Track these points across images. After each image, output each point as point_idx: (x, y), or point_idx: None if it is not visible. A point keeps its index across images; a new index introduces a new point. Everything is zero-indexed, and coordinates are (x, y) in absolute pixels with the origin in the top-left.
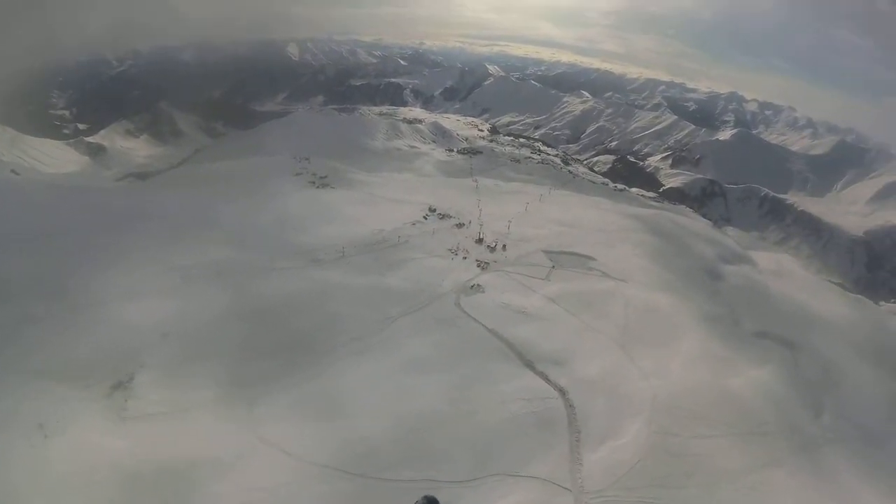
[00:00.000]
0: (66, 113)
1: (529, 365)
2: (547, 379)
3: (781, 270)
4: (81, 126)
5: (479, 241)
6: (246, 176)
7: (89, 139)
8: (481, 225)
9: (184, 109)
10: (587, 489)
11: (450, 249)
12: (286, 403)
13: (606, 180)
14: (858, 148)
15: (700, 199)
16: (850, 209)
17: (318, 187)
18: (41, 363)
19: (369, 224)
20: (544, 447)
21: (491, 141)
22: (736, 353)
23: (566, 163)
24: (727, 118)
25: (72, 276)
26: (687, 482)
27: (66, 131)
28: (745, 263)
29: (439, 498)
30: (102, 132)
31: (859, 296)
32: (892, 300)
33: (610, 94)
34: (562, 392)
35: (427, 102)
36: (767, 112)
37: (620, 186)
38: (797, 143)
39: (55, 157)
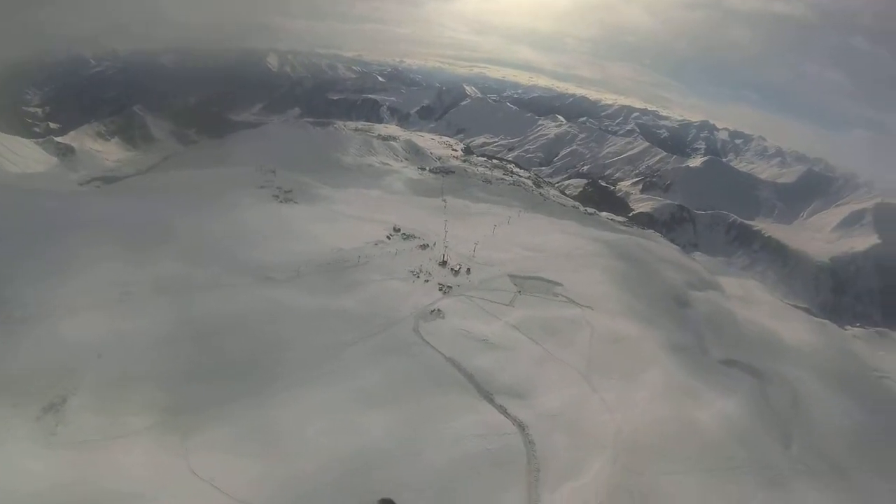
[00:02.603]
0: (39, 111)
1: (488, 397)
2: (506, 413)
3: (748, 296)
4: (53, 125)
5: (444, 263)
6: (208, 186)
7: (59, 139)
8: (446, 247)
9: (158, 114)
10: None
11: (412, 272)
12: (223, 435)
13: (577, 204)
14: (826, 177)
15: (669, 224)
16: (816, 236)
17: (280, 201)
18: None
19: (329, 242)
20: (499, 489)
21: (464, 161)
22: (703, 383)
23: (538, 185)
24: (698, 146)
25: (6, 286)
26: None
27: (37, 129)
28: (713, 289)
29: None
30: (73, 133)
31: (825, 321)
32: (857, 324)
33: (584, 118)
34: (521, 427)
35: (403, 120)
36: (738, 141)
37: (591, 210)
38: (766, 171)
39: (23, 156)
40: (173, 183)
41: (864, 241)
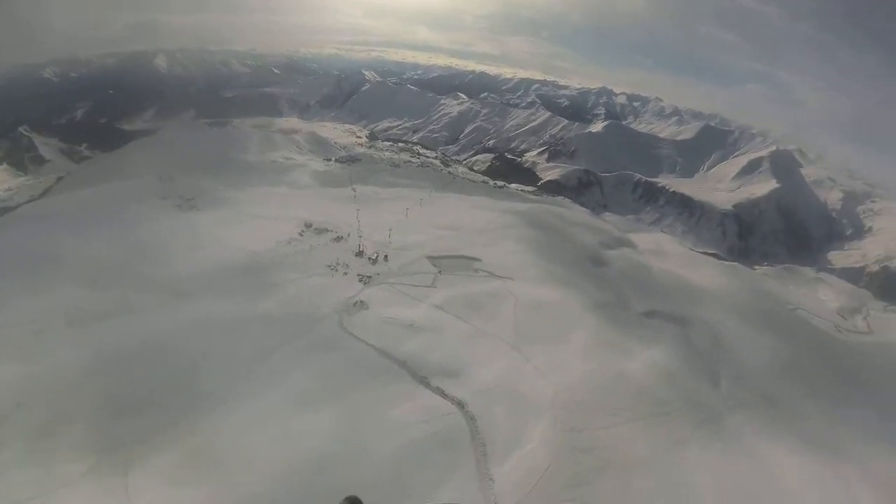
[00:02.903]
0: None
1: (423, 381)
2: (443, 394)
3: (660, 249)
4: None
5: (360, 253)
6: (107, 204)
7: None
8: (361, 236)
9: (45, 133)
10: None
11: (329, 266)
12: (163, 466)
13: (486, 178)
14: (722, 131)
15: (577, 189)
16: (718, 186)
17: (183, 210)
18: None
19: (240, 246)
20: (449, 469)
21: (370, 147)
22: (627, 336)
23: (446, 164)
24: (598, 111)
25: None
26: (601, 476)
27: None
28: (626, 246)
29: None
30: None
31: (735, 263)
32: (765, 263)
33: (486, 94)
34: (460, 405)
35: (304, 111)
36: (636, 104)
37: (500, 183)
38: (665, 130)
39: None
40: (70, 205)
41: (763, 186)
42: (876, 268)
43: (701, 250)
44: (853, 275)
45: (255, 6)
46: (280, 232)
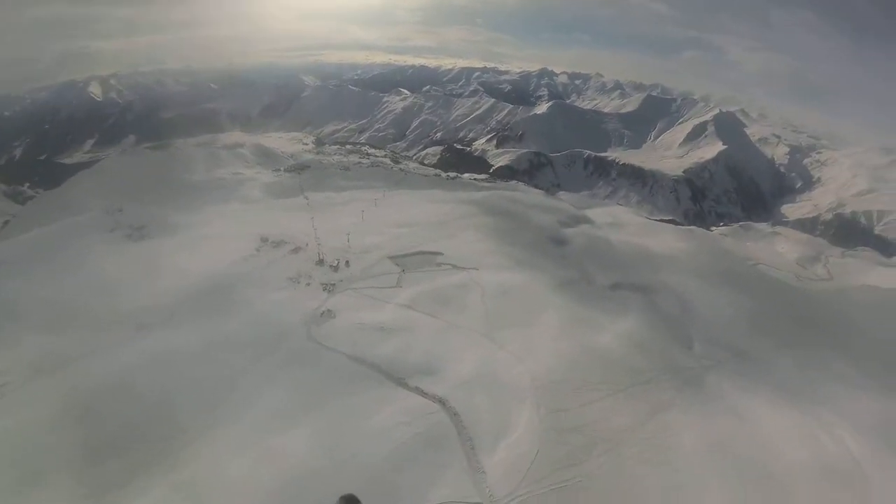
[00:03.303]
0: None
1: (401, 383)
2: (423, 393)
3: (617, 221)
4: None
5: (320, 262)
6: (55, 243)
7: None
8: (319, 244)
9: None
10: (497, 496)
11: (290, 279)
12: None
13: (438, 171)
14: (664, 99)
15: (529, 171)
16: (667, 154)
17: (135, 240)
18: None
19: (196, 270)
20: (440, 468)
21: (317, 153)
22: (597, 311)
23: (396, 161)
24: (541, 93)
25: None
26: (591, 453)
27: None
28: (584, 223)
29: None
30: None
31: (691, 227)
32: (721, 223)
33: (428, 87)
34: (442, 402)
35: (246, 124)
36: (577, 81)
37: (452, 175)
38: (608, 104)
39: None
40: (20, 249)
41: (711, 149)
42: (829, 216)
43: (657, 218)
44: (808, 225)
45: (185, 22)
46: (236, 250)
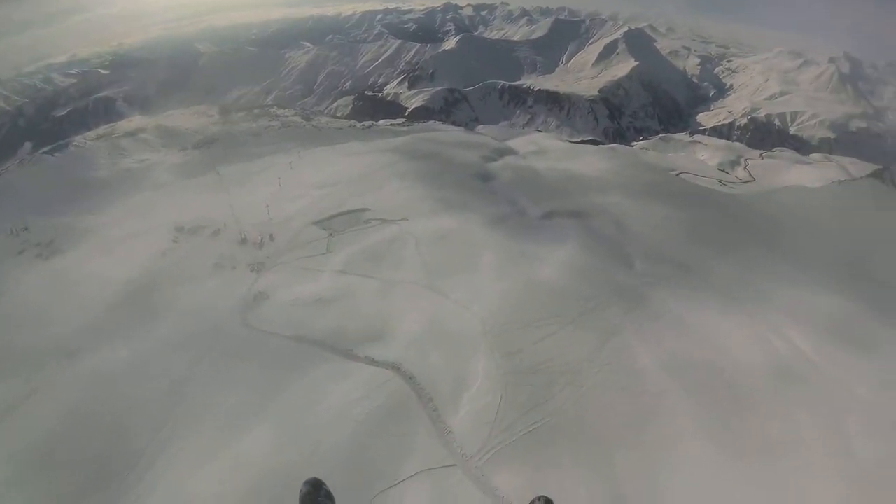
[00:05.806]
0: None
1: (350, 355)
2: (373, 361)
3: (541, 148)
4: None
5: (243, 241)
6: None
7: None
8: (238, 222)
9: None
10: (470, 453)
11: (215, 265)
12: None
13: (352, 122)
14: (573, 22)
15: (446, 109)
16: (581, 75)
17: (45, 258)
18: None
19: (115, 277)
20: (407, 436)
21: (224, 123)
22: (534, 243)
23: (307, 119)
24: (448, 28)
25: None
26: (553, 391)
27: None
28: (508, 154)
29: None
30: None
31: (613, 144)
32: (641, 138)
33: (331, 37)
34: (395, 368)
35: (146, 106)
36: (483, 13)
37: (367, 123)
38: (517, 32)
39: None
40: None
41: (623, 67)
42: (744, 121)
43: (578, 140)
44: (724, 131)
45: (61, 11)
46: (152, 246)
